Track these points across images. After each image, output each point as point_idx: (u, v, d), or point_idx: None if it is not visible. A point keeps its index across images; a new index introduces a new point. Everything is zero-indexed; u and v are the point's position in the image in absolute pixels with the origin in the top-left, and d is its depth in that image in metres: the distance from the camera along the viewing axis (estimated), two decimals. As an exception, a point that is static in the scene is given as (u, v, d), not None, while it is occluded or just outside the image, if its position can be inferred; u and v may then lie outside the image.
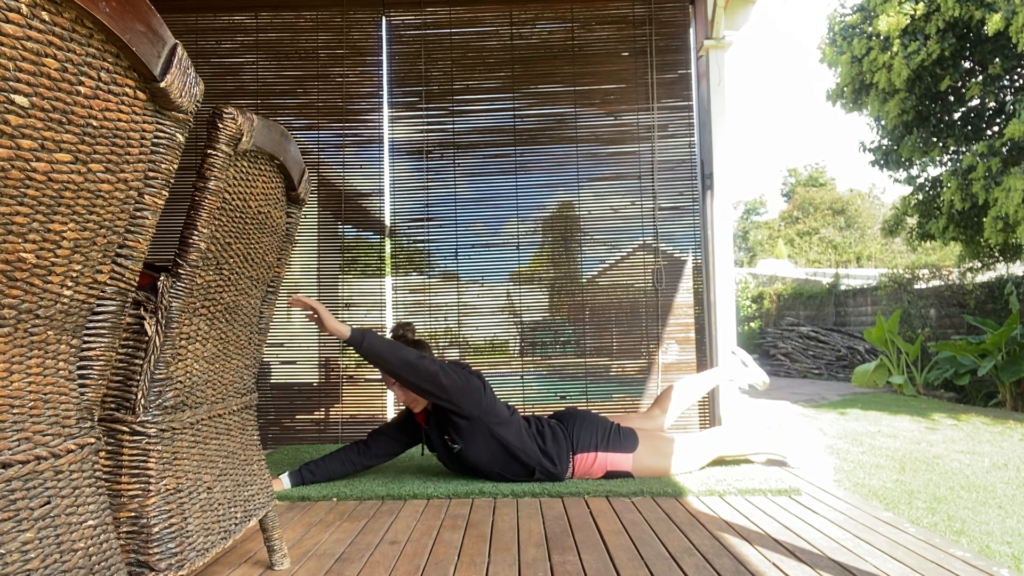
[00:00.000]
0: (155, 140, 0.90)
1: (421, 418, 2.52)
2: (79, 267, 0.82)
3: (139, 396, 1.10)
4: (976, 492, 3.05)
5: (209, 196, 1.14)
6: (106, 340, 0.90)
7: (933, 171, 9.35)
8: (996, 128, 8.40)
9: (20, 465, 0.74)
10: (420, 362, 2.28)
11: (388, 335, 2.51)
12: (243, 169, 1.25)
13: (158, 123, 0.90)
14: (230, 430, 1.43)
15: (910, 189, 9.63)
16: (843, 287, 11.12)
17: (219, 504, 1.31)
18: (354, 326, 2.26)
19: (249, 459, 1.51)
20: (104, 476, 1.05)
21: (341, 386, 3.61)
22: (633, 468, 2.45)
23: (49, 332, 0.80)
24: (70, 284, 0.81)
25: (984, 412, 5.92)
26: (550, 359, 3.68)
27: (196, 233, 1.14)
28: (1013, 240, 7.44)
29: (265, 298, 1.56)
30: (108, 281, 0.89)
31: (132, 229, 0.90)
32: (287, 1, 3.68)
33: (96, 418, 0.90)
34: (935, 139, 8.75)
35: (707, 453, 2.53)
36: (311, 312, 2.25)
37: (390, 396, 3.60)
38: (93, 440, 0.88)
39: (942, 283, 8.77)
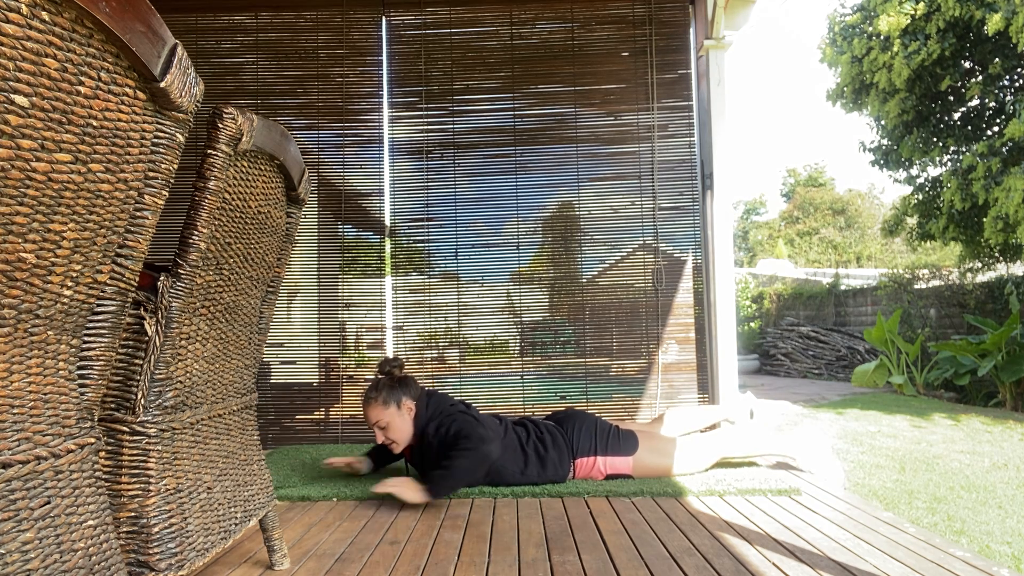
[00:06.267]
0: (155, 140, 0.90)
1: (407, 452, 2.48)
2: (79, 267, 0.82)
3: (139, 396, 1.10)
4: (976, 492, 3.05)
5: (209, 196, 1.14)
6: (106, 340, 0.90)
7: (933, 171, 9.35)
8: (996, 128, 8.40)
9: (20, 465, 0.74)
10: (481, 467, 2.22)
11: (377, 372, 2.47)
12: (243, 169, 1.25)
13: (158, 123, 0.90)
14: (230, 430, 1.43)
15: (910, 189, 9.63)
16: (843, 287, 11.11)
17: (219, 504, 1.31)
18: (433, 488, 2.17)
19: (249, 459, 1.51)
20: (104, 476, 1.05)
21: (341, 386, 3.61)
22: (633, 470, 2.45)
23: (49, 332, 0.80)
24: (70, 284, 0.81)
25: (984, 412, 5.92)
26: (550, 359, 3.68)
27: (196, 233, 1.14)
28: (1013, 240, 7.44)
29: (265, 298, 1.56)
30: (108, 281, 0.89)
31: (132, 229, 0.90)
32: (287, 1, 3.68)
33: (96, 418, 0.90)
34: (935, 139, 8.75)
35: (710, 455, 2.50)
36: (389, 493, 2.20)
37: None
38: (93, 440, 0.88)
39: (942, 283, 8.76)
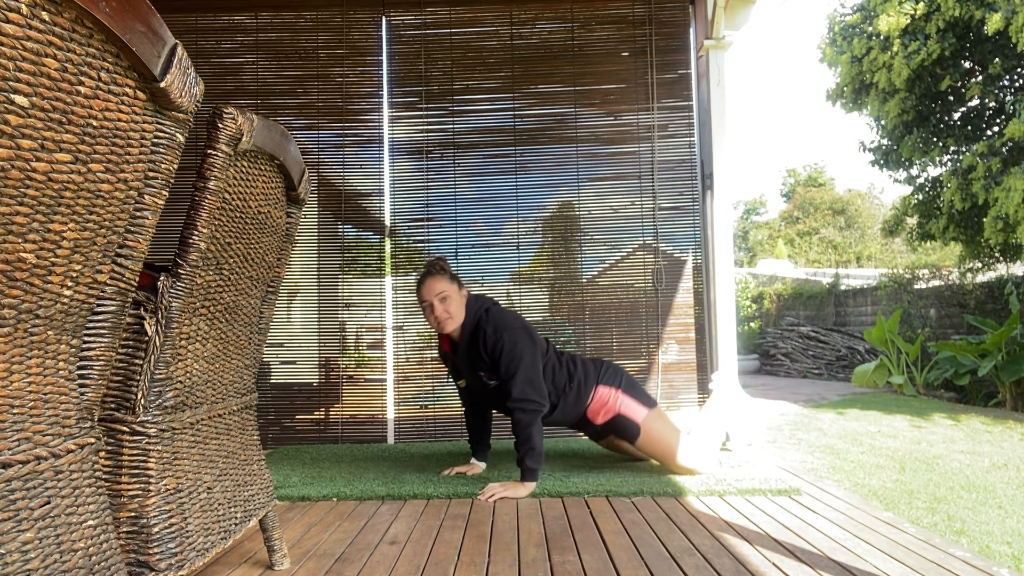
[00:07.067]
0: (155, 140, 0.90)
1: (446, 342, 2.58)
2: (79, 267, 0.82)
3: (139, 396, 1.10)
4: (976, 492, 3.05)
5: (209, 196, 1.14)
6: (106, 340, 0.90)
7: (933, 171, 9.35)
8: (996, 128, 8.39)
9: (20, 465, 0.74)
10: (539, 404, 2.37)
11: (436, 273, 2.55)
12: (243, 169, 1.25)
13: (158, 123, 0.90)
14: (230, 430, 1.43)
15: (910, 189, 9.62)
16: (843, 287, 11.11)
17: (219, 504, 1.31)
18: (527, 472, 2.31)
19: (249, 459, 1.51)
20: (104, 476, 1.05)
21: (341, 386, 3.61)
22: (642, 425, 2.48)
23: (49, 332, 0.80)
24: (70, 284, 0.81)
25: (984, 412, 5.92)
26: (550, 359, 3.67)
27: (196, 233, 1.14)
28: (1013, 240, 7.43)
29: (265, 298, 1.56)
30: (108, 281, 0.89)
31: (132, 229, 0.90)
32: (287, 1, 3.68)
33: (96, 418, 0.90)
34: (935, 139, 8.75)
35: (707, 450, 2.54)
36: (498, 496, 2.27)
37: (390, 396, 3.60)
38: (93, 440, 0.88)
39: (942, 283, 8.76)
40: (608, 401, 2.51)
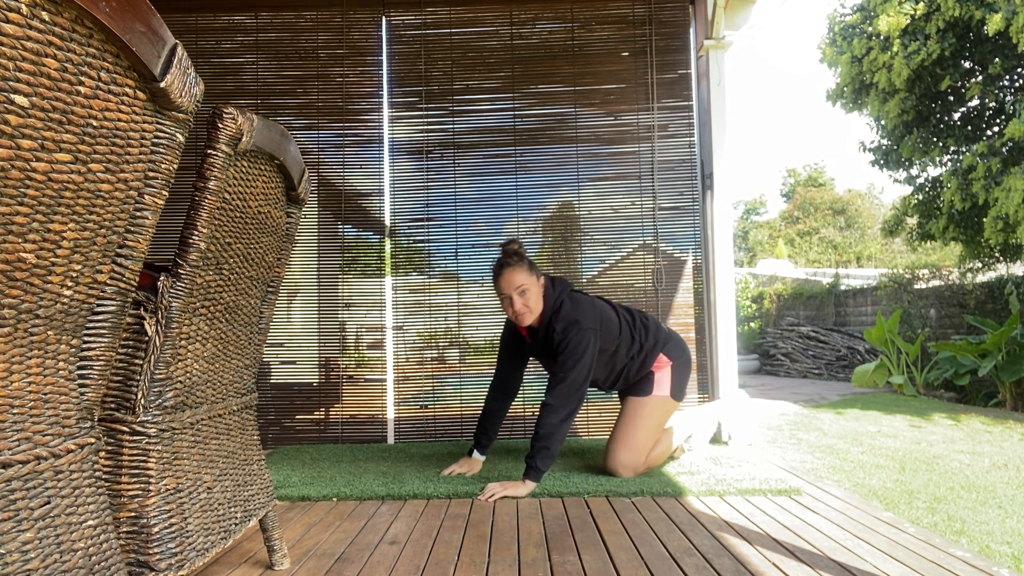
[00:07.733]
0: (155, 140, 0.90)
1: (525, 332, 2.59)
2: (79, 267, 0.82)
3: (139, 396, 1.10)
4: (976, 492, 3.05)
5: (209, 196, 1.14)
6: (106, 340, 0.90)
7: (933, 171, 9.35)
8: (996, 128, 8.39)
9: (20, 465, 0.74)
10: (572, 410, 2.37)
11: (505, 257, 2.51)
12: (243, 169, 1.25)
13: (158, 123, 0.90)
14: (230, 430, 1.43)
15: (910, 189, 9.63)
16: (843, 287, 11.10)
17: (219, 504, 1.31)
18: (532, 472, 2.30)
19: (249, 459, 1.51)
20: (104, 476, 1.05)
21: (341, 386, 3.61)
22: (654, 396, 2.60)
23: (49, 332, 0.80)
24: (70, 284, 0.81)
25: (984, 412, 5.92)
26: (550, 359, 3.67)
27: (196, 233, 1.14)
28: (1013, 240, 7.44)
29: (265, 298, 1.56)
30: (108, 281, 0.89)
31: (132, 229, 0.90)
32: (287, 1, 3.68)
33: (96, 418, 0.90)
34: (935, 139, 8.75)
35: (650, 462, 2.64)
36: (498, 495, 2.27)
37: (390, 396, 3.60)
38: (93, 440, 0.88)
39: (942, 283, 8.76)
40: (656, 364, 2.63)
